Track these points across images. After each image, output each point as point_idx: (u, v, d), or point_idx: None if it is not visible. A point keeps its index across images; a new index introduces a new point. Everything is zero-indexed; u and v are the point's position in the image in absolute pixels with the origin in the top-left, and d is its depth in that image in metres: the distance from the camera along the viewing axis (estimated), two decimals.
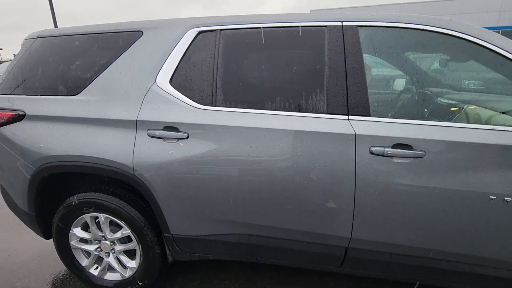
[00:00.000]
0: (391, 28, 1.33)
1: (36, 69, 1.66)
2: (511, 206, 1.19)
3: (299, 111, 1.34)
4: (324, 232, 1.39)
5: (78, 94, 1.56)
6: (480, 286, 1.36)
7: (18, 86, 1.66)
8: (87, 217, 1.64)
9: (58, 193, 1.74)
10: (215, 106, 1.41)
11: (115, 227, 1.66)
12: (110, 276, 1.76)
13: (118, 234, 1.64)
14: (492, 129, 1.22)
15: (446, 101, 1.84)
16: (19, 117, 1.60)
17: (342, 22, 1.35)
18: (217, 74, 1.42)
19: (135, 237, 1.61)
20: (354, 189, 1.28)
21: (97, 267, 1.77)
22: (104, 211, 1.59)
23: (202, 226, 1.51)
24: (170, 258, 1.66)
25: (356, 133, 1.26)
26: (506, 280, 1.31)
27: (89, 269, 1.77)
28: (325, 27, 1.36)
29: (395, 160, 1.24)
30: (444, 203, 1.23)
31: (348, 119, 1.29)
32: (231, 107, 1.40)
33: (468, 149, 1.19)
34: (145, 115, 1.44)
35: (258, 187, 1.37)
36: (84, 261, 1.77)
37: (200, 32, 1.47)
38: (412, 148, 1.23)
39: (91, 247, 1.72)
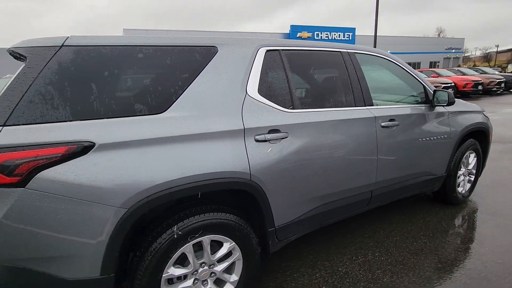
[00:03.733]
0: (364, 54, 2.26)
1: (85, 87, 1.27)
2: (429, 144, 2.42)
3: (343, 106, 2.00)
4: (364, 183, 2.11)
5: (164, 111, 1.40)
6: (415, 190, 2.57)
7: (57, 110, 1.21)
8: (187, 247, 1.45)
9: (139, 237, 1.39)
10: (295, 108, 1.78)
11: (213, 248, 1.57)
12: None
13: (223, 251, 1.57)
14: (395, 107, 2.40)
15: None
16: (83, 150, 1.20)
17: (347, 50, 2.13)
18: (290, 84, 1.79)
19: (239, 247, 1.62)
20: (377, 148, 2.10)
21: None
22: (210, 232, 1.50)
23: (297, 210, 1.81)
24: (269, 253, 1.78)
25: (375, 115, 2.09)
26: (426, 181, 2.58)
27: None
28: (340, 52, 2.09)
29: (390, 128, 2.18)
30: (408, 146, 2.30)
31: (367, 108, 2.10)
32: (305, 108, 1.83)
33: (403, 117, 2.31)
34: (250, 123, 1.57)
35: (335, 162, 1.89)
36: None
37: (267, 51, 1.77)
38: (394, 120, 2.20)
39: (187, 283, 1.51)
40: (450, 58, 41.95)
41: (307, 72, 2.00)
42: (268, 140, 1.62)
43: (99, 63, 1.33)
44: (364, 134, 2.03)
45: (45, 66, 1.23)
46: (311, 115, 1.81)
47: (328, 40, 32.14)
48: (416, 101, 2.60)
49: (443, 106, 2.51)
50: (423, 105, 2.51)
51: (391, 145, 2.19)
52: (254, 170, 1.55)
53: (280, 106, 1.72)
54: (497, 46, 55.97)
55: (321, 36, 31.37)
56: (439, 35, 68.49)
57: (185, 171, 1.36)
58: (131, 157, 1.27)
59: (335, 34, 31.93)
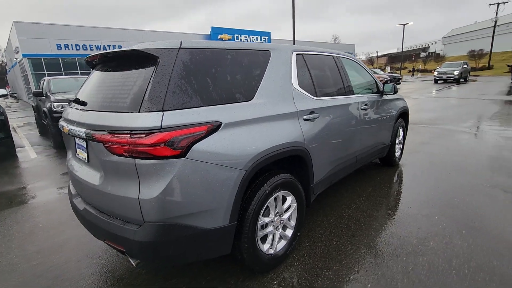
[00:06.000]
0: (343, 58, 3.09)
1: (203, 80, 1.63)
2: (382, 121, 3.43)
3: (342, 95, 2.77)
4: (354, 149, 2.94)
5: (252, 99, 1.86)
6: (373, 157, 3.58)
7: (191, 99, 1.55)
8: (271, 201, 1.95)
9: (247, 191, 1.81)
10: (318, 96, 2.44)
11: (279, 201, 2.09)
12: (280, 246, 2.10)
13: (288, 203, 2.11)
14: (365, 96, 3.37)
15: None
16: (216, 128, 1.58)
17: (336, 54, 2.91)
18: (313, 78, 2.44)
19: (296, 200, 2.18)
20: (360, 124, 2.96)
21: (270, 246, 2.03)
22: (283, 189, 2.02)
23: (324, 170, 2.48)
24: (309, 204, 2.39)
25: (358, 101, 2.93)
26: (381, 149, 3.61)
27: (268, 251, 1.99)
28: (332, 56, 2.85)
29: (365, 110, 3.07)
30: (373, 122, 3.25)
31: (353, 96, 2.92)
32: (323, 96, 2.51)
33: (370, 102, 3.26)
34: (299, 107, 2.15)
35: (343, 134, 2.63)
36: (263, 246, 1.96)
37: (297, 54, 2.37)
38: (366, 104, 3.11)
39: (269, 229, 1.99)
40: None
41: (319, 69, 2.68)
42: (310, 119, 2.23)
43: (206, 61, 1.70)
44: (354, 114, 2.85)
45: (174, 63, 1.55)
46: (327, 101, 2.51)
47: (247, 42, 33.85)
48: (371, 91, 3.60)
49: (387, 95, 3.57)
50: (376, 94, 3.52)
51: (366, 122, 3.09)
52: (306, 140, 2.14)
53: (310, 94, 2.35)
54: (377, 51, 69.32)
55: (241, 39, 32.83)
56: (335, 41, 79.81)
57: (272, 142, 1.85)
58: (242, 132, 1.71)
59: (253, 37, 33.90)
